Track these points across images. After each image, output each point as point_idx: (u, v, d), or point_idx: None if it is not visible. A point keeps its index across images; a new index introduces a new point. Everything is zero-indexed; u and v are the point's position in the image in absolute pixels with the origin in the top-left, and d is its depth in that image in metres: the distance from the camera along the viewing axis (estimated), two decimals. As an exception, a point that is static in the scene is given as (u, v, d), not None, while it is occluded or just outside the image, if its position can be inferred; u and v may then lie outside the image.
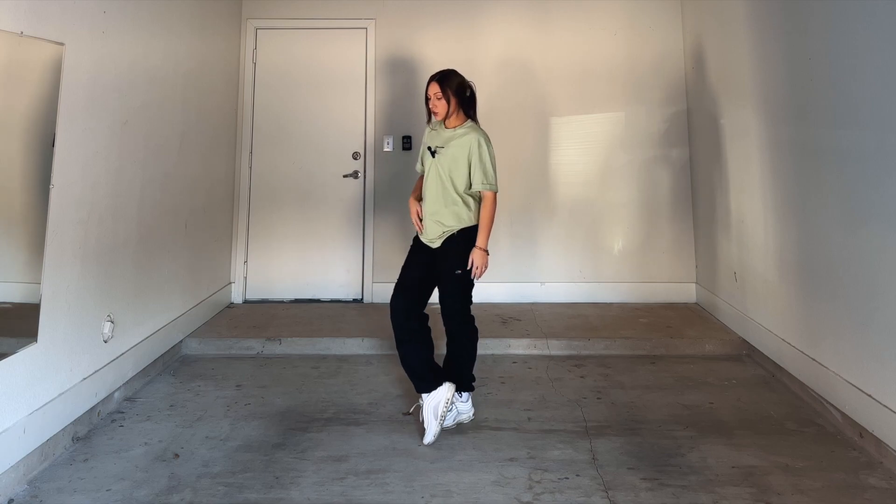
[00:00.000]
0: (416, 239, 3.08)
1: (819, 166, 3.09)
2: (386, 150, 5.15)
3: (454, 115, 2.97)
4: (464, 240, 2.91)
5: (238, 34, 5.18)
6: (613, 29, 5.17)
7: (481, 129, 2.97)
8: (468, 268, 2.89)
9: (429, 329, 2.98)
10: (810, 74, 3.15)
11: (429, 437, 2.78)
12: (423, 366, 2.90)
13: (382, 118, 5.17)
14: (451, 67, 3.09)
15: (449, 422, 2.89)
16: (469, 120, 3.01)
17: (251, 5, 5.25)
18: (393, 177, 5.12)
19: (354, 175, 5.14)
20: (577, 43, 5.17)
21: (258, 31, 5.25)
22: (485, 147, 2.89)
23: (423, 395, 2.86)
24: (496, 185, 2.91)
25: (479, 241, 2.88)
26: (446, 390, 2.84)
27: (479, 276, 2.90)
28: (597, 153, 5.12)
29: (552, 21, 5.20)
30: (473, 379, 3.01)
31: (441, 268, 2.94)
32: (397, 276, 3.03)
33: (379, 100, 5.18)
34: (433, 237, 2.96)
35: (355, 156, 5.16)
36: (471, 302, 2.99)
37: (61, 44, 2.70)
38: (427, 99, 2.99)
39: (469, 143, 2.90)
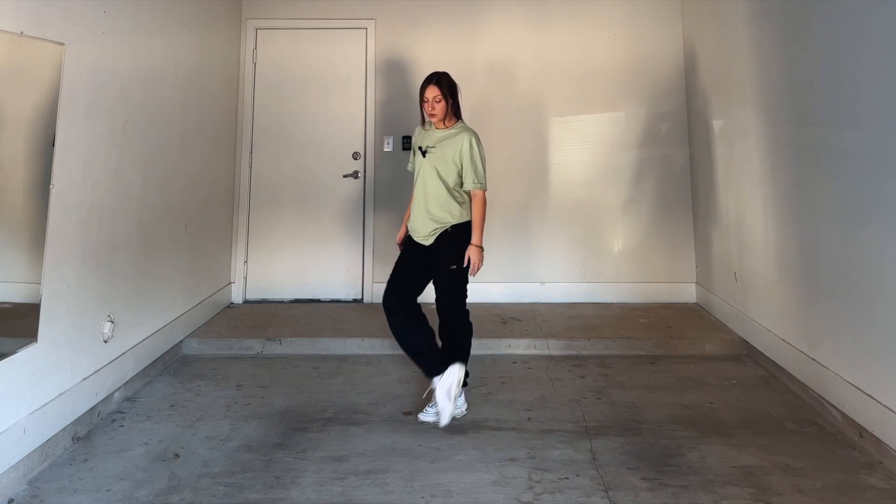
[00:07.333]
0: (409, 237, 3.14)
1: (819, 166, 3.09)
2: (386, 150, 5.15)
3: (447, 116, 3.09)
4: (458, 235, 2.99)
5: (238, 34, 5.18)
6: (613, 29, 5.17)
7: (471, 129, 3.08)
8: (464, 265, 2.97)
9: (424, 315, 3.05)
10: (810, 74, 3.15)
11: (444, 420, 2.84)
12: (428, 349, 2.96)
13: (382, 118, 5.17)
14: (440, 70, 3.15)
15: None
16: (460, 121, 3.13)
17: (251, 5, 5.25)
18: (393, 177, 5.11)
19: (354, 175, 5.13)
20: (577, 43, 5.17)
21: (258, 31, 5.25)
22: (476, 147, 3.00)
23: (435, 379, 2.91)
24: (485, 183, 3.03)
25: (475, 239, 2.98)
26: (458, 370, 2.88)
27: (476, 273, 2.98)
28: (597, 153, 5.12)
29: (552, 21, 5.19)
30: (467, 374, 3.04)
31: (436, 264, 3.01)
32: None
33: (379, 100, 5.18)
34: (425, 234, 3.03)
35: (355, 156, 5.16)
36: (466, 297, 3.06)
37: (61, 44, 2.69)
38: (423, 101, 3.05)
39: (461, 142, 3.00)
